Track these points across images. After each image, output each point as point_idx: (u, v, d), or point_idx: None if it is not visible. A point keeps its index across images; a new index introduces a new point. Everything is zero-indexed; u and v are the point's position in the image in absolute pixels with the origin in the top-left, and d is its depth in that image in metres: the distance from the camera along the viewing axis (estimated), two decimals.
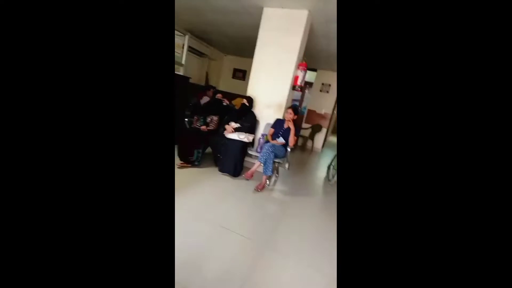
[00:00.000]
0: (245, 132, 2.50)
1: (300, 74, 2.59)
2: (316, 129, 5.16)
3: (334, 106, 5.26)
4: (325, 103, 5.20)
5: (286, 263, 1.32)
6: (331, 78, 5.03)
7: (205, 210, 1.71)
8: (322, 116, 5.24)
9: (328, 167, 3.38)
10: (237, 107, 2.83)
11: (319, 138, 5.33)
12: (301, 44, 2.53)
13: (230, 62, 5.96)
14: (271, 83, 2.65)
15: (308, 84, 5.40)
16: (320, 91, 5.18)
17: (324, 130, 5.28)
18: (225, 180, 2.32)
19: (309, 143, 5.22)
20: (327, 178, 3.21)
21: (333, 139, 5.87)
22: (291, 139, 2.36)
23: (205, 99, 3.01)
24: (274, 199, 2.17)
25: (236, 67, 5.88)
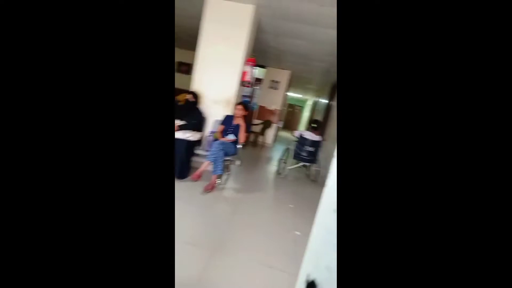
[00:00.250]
0: (191, 130, 2.33)
1: (248, 69, 2.55)
2: (267, 124, 5.27)
3: (283, 102, 5.47)
4: (275, 100, 5.36)
5: (241, 265, 1.26)
6: (280, 75, 5.21)
7: None
8: (272, 112, 5.39)
9: (279, 161, 3.48)
10: (181, 103, 2.62)
11: (270, 133, 5.48)
12: (248, 39, 2.49)
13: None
14: (218, 77, 2.53)
15: (258, 81, 5.47)
16: (270, 87, 5.31)
17: (274, 126, 5.44)
18: None
19: (260, 138, 5.31)
20: (278, 172, 3.30)
21: (283, 134, 6.13)
22: (242, 135, 2.31)
23: None
24: (225, 198, 2.09)
25: (180, 60, 5.48)
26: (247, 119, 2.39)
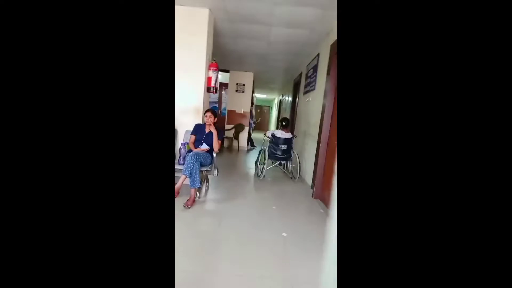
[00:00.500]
0: None
1: (212, 75, 2.50)
2: (239, 128, 5.24)
3: (251, 104, 5.50)
4: (243, 102, 5.36)
5: (235, 280, 1.21)
6: (244, 78, 5.22)
7: None
8: (243, 115, 5.38)
9: (256, 163, 3.48)
10: None
11: (243, 136, 5.46)
12: (208, 44, 2.43)
13: None
14: (183, 86, 2.43)
15: (224, 85, 5.41)
16: (236, 91, 5.29)
17: (246, 129, 5.44)
18: None
19: (234, 143, 5.25)
20: (257, 175, 3.30)
21: (256, 135, 6.16)
22: (215, 143, 2.24)
23: None
24: (207, 211, 2.01)
25: None
26: (219, 126, 2.33)
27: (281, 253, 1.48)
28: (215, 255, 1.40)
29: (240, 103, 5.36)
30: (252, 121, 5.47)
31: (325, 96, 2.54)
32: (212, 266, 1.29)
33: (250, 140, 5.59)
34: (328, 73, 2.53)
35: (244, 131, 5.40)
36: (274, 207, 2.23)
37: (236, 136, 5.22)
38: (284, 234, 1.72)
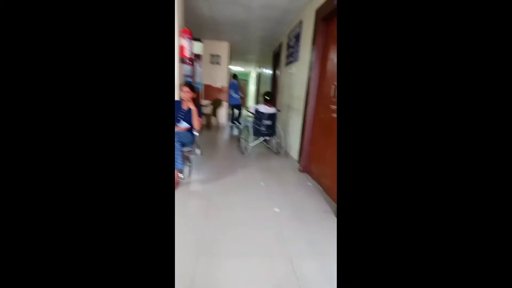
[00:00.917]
0: None
1: (185, 43, 2.19)
2: (217, 104, 4.97)
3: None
4: (219, 76, 5.01)
5: (232, 262, 1.15)
6: (219, 48, 4.81)
7: None
8: (220, 90, 5.07)
9: (239, 140, 3.36)
10: None
11: (222, 112, 5.22)
12: (178, 7, 2.09)
13: None
14: None
15: (197, 57, 4.96)
16: (211, 63, 4.89)
17: (225, 104, 5.17)
18: None
19: (213, 120, 5.01)
20: (241, 152, 3.20)
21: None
22: (195, 121, 2.05)
23: None
24: (193, 193, 1.89)
25: None
26: (195, 101, 2.12)
27: (276, 230, 1.46)
28: (207, 238, 1.32)
29: (216, 77, 5.00)
30: (238, 96, 5.17)
31: (310, 67, 2.41)
32: (206, 250, 1.22)
33: (237, 118, 5.33)
34: (313, 43, 2.37)
35: (222, 106, 5.15)
36: (262, 183, 2.19)
37: (214, 112, 4.96)
38: (277, 210, 1.70)
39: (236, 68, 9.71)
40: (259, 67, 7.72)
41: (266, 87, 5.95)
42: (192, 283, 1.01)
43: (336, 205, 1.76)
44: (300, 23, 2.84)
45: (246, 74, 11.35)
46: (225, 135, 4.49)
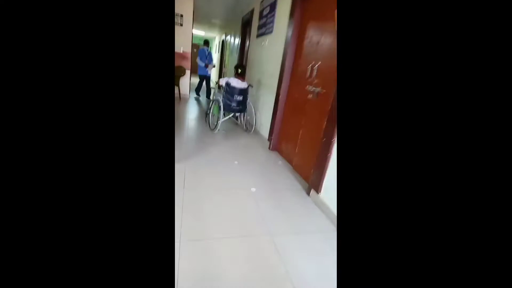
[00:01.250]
0: None
1: None
2: (179, 72, 4.50)
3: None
4: (183, 40, 4.46)
5: (217, 246, 1.16)
6: (182, 6, 4.20)
7: None
8: (183, 56, 4.56)
9: (206, 114, 3.19)
10: None
11: (184, 82, 4.78)
12: None
13: None
14: None
15: None
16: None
17: (188, 73, 4.73)
18: None
19: (175, 90, 4.57)
20: (210, 128, 3.06)
21: (196, 80, 5.47)
22: None
23: None
24: None
25: None
26: None
27: (255, 209, 1.51)
28: (188, 220, 1.29)
29: (177, 41, 4.44)
30: (212, 64, 4.71)
31: (286, 42, 2.33)
32: (189, 233, 1.19)
33: (207, 91, 4.91)
34: (291, 15, 2.27)
35: (185, 75, 4.70)
36: (236, 162, 2.17)
37: (176, 81, 4.51)
38: (253, 189, 1.73)
39: (197, 32, 8.78)
40: (225, 34, 7.15)
41: (233, 58, 5.62)
42: (177, 270, 0.99)
43: (306, 183, 1.89)
44: None
45: (209, 41, 10.42)
46: (189, 108, 4.19)
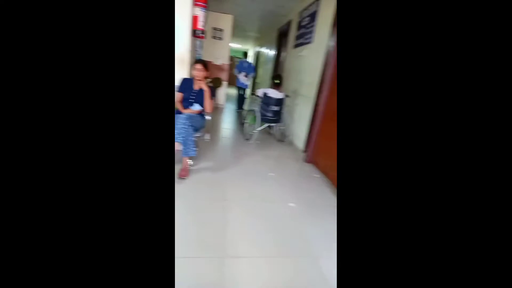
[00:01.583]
0: None
1: (199, 13, 1.94)
2: (217, 83, 4.69)
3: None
4: (221, 52, 4.68)
5: (255, 264, 1.11)
6: (223, 21, 4.43)
7: None
8: (220, 68, 4.77)
9: (242, 124, 3.22)
10: None
11: (221, 93, 4.96)
12: None
13: None
14: None
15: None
16: (213, 37, 4.53)
17: (225, 84, 4.91)
18: None
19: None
20: (245, 138, 3.08)
21: (231, 91, 5.63)
22: (207, 103, 1.89)
23: None
24: (205, 182, 1.79)
25: None
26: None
27: (294, 226, 1.42)
28: (224, 235, 1.26)
29: (216, 53, 4.66)
30: (251, 75, 4.70)
31: (327, 52, 2.27)
32: (223, 250, 1.16)
33: (243, 100, 4.95)
34: (334, 24, 2.20)
35: (222, 86, 4.88)
36: (271, 174, 2.12)
37: (214, 92, 4.70)
38: (292, 205, 1.66)
39: (233, 45, 9.17)
40: (259, 45, 7.33)
41: (267, 68, 5.70)
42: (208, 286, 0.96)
43: None
44: (318, 0, 2.62)
45: (244, 52, 10.79)
46: (224, 117, 4.31)
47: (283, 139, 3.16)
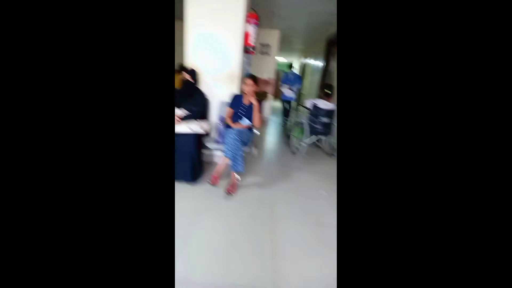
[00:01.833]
0: (196, 119, 1.83)
1: (251, 29, 1.98)
2: (262, 97, 4.75)
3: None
4: (267, 67, 4.75)
5: None
6: (270, 36, 4.52)
7: None
8: (266, 82, 4.83)
9: (288, 137, 3.12)
10: (177, 86, 2.04)
11: (266, 106, 4.99)
12: None
13: None
14: (216, 45, 1.95)
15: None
16: (260, 53, 4.64)
17: (270, 97, 4.94)
18: (183, 191, 1.69)
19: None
20: (292, 151, 2.96)
21: (276, 104, 5.66)
22: (256, 118, 1.86)
23: None
24: (253, 199, 1.72)
25: None
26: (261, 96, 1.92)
27: None
28: (274, 265, 1.14)
29: (262, 68, 4.75)
30: (295, 87, 4.46)
31: None
32: (274, 283, 1.03)
33: (288, 112, 4.81)
34: None
35: (267, 100, 4.91)
36: (323, 192, 1.93)
37: (259, 106, 4.75)
38: None
39: (278, 59, 9.31)
40: (305, 57, 7.24)
41: (313, 80, 5.53)
42: None
43: None
44: None
45: (289, 65, 10.85)
46: (269, 130, 4.28)
47: (333, 152, 2.92)
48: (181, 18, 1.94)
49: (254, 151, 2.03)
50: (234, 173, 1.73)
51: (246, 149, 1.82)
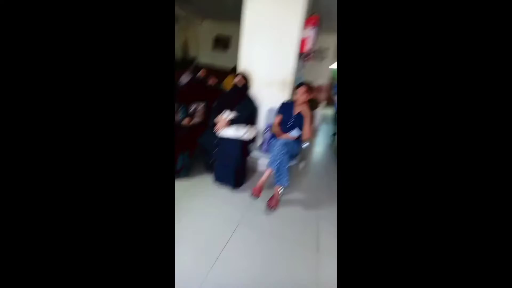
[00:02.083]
0: (244, 124, 1.79)
1: (309, 34, 1.84)
2: (313, 105, 4.51)
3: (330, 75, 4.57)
4: (320, 73, 4.48)
5: None
6: (328, 40, 4.25)
7: (194, 267, 1.06)
8: (318, 89, 4.56)
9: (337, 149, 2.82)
10: (226, 89, 2.06)
11: (317, 115, 4.72)
12: None
13: (208, 29, 4.91)
14: (269, 51, 1.88)
15: None
16: (318, 58, 4.42)
17: (321, 106, 4.64)
18: (224, 197, 1.66)
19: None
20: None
21: (327, 111, 5.32)
22: (307, 129, 1.70)
23: (184, 79, 2.20)
24: (296, 216, 1.57)
25: (217, 34, 4.89)
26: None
27: None
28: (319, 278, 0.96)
29: (316, 74, 4.49)
30: None
31: None
32: None
33: None
34: None
35: (318, 108, 4.63)
36: None
37: (309, 115, 4.53)
38: None
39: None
40: None
41: None
42: None
43: None
44: None
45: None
46: (320, 140, 4.01)
47: None
48: (238, 21, 1.94)
49: (302, 164, 1.87)
50: (278, 187, 1.61)
51: (293, 162, 1.68)
